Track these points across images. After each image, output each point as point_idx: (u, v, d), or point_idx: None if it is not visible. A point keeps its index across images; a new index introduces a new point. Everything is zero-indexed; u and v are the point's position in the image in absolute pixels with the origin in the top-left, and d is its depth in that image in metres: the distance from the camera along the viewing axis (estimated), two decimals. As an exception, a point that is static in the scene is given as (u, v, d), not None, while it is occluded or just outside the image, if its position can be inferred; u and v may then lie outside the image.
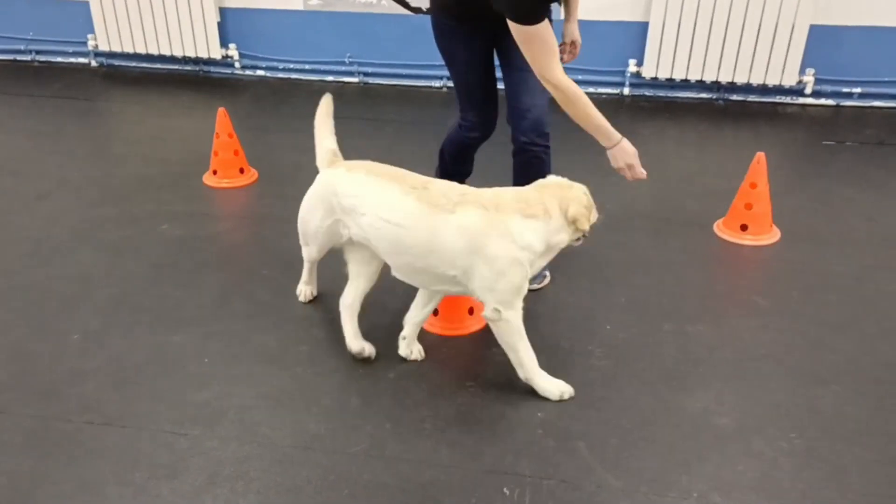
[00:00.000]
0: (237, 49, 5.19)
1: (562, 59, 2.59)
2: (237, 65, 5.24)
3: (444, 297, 2.50)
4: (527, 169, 2.65)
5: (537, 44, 2.27)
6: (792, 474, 1.98)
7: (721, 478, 1.97)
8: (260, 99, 4.91)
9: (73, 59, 5.48)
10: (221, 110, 3.64)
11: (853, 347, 2.46)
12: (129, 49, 5.23)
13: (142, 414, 2.20)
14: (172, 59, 5.29)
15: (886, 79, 4.47)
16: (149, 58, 5.32)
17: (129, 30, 5.18)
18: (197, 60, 5.28)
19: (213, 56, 5.15)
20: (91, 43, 5.35)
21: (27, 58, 5.51)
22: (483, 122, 2.81)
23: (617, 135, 2.40)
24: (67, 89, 5.03)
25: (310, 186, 2.48)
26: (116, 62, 5.43)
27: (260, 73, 5.25)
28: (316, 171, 2.48)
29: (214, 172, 3.68)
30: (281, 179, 3.69)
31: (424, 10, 4.76)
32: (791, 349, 2.46)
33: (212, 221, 3.33)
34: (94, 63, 5.45)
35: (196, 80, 5.26)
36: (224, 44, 5.17)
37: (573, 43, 2.79)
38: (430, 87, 5.00)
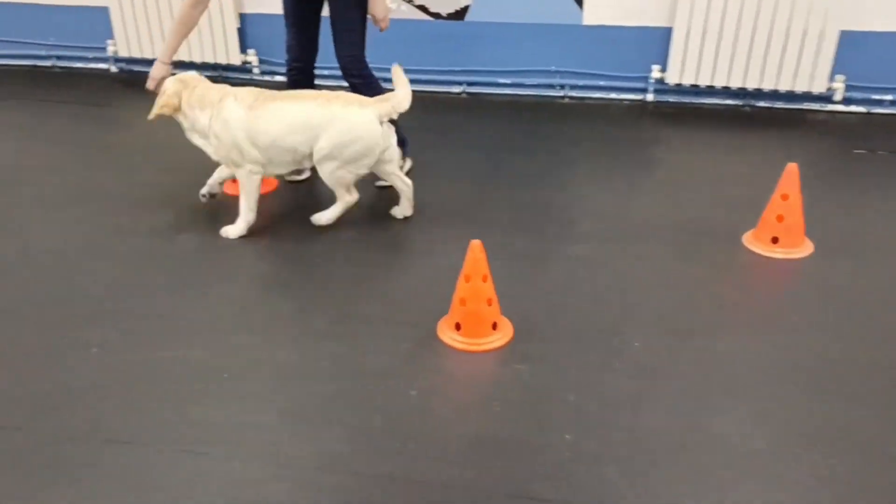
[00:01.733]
0: (256, 54, 5.17)
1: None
2: (256, 70, 5.22)
3: (470, 314, 2.47)
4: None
5: None
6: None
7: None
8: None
9: (93, 65, 5.49)
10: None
11: (889, 362, 2.38)
12: (148, 55, 5.21)
13: (154, 432, 2.17)
14: (192, 66, 5.28)
15: (919, 85, 4.36)
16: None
17: (148, 35, 5.18)
18: (216, 66, 5.27)
19: (232, 62, 5.13)
20: (111, 49, 5.35)
21: (47, 63, 5.53)
22: (291, 46, 3.52)
23: (168, 57, 3.45)
24: (87, 95, 5.03)
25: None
26: (136, 68, 5.42)
27: (278, 78, 5.21)
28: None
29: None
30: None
31: (445, 14, 4.72)
32: (823, 366, 2.38)
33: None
34: (113, 69, 5.46)
35: (215, 86, 5.23)
36: (243, 49, 5.16)
37: (373, 17, 3.44)
38: (450, 92, 4.94)
